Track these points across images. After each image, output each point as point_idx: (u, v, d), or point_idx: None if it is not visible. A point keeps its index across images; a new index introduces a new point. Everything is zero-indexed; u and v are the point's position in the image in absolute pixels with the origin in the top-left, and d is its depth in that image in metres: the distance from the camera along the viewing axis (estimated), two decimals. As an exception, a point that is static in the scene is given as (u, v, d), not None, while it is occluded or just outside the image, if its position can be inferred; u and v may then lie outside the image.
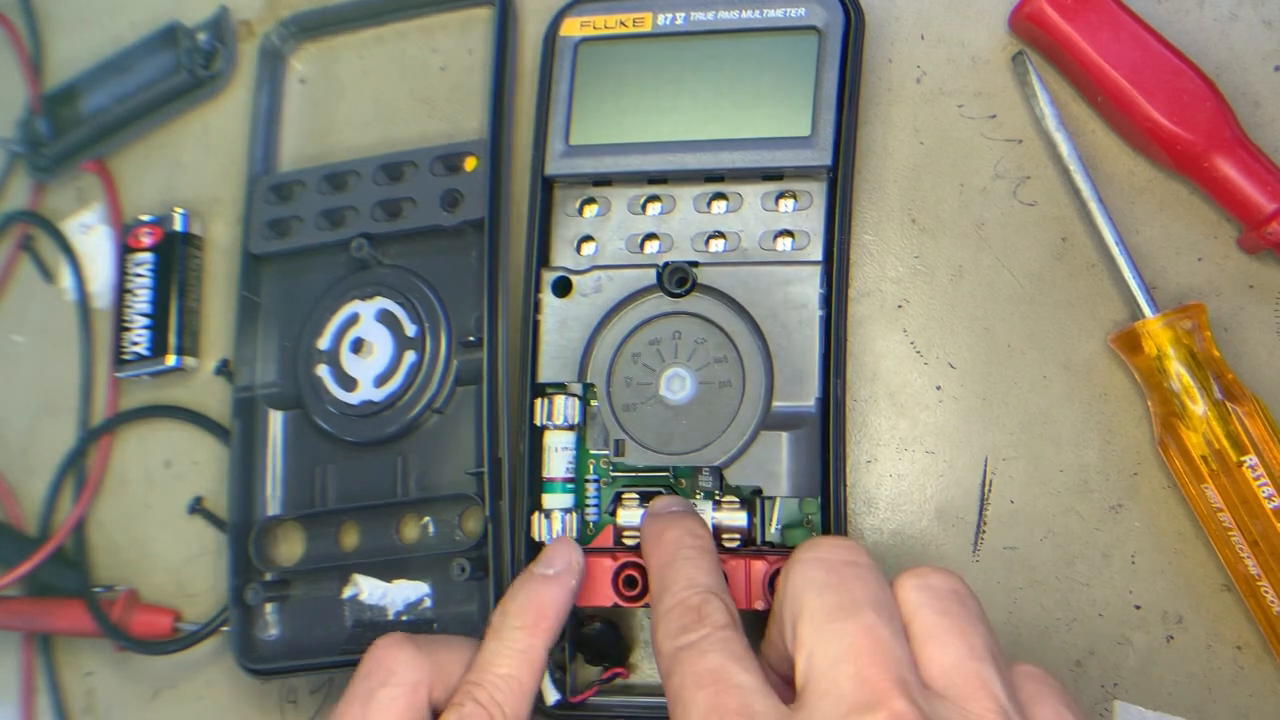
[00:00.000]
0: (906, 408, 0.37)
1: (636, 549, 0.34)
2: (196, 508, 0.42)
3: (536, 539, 0.35)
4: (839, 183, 0.34)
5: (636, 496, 0.34)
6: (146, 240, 0.43)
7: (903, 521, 0.36)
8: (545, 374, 0.35)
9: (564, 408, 0.35)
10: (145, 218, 0.43)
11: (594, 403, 0.35)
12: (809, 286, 0.34)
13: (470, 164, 0.38)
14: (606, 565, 0.33)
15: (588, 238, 0.36)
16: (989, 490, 0.36)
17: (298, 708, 0.40)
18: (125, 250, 0.43)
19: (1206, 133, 0.34)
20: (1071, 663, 0.34)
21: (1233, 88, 0.35)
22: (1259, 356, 0.35)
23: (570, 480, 0.35)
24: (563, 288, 0.36)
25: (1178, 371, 0.33)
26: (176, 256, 0.42)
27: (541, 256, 0.36)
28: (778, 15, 0.35)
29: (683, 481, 0.35)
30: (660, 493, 0.34)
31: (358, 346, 0.38)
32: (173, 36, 0.43)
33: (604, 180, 0.36)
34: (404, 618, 0.37)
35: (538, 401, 0.35)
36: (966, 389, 0.36)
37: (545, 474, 0.35)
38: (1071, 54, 0.35)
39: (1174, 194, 0.36)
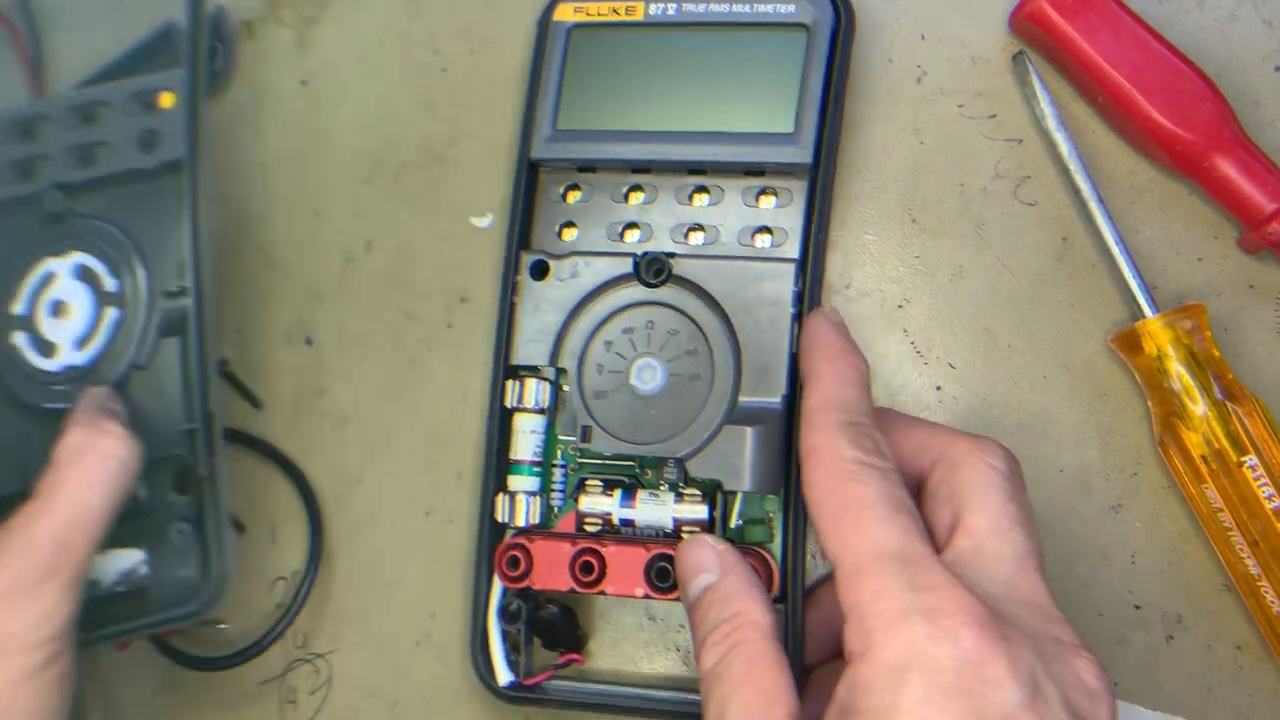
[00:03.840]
0: (906, 408, 0.37)
1: (597, 535, 0.34)
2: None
3: (500, 520, 0.35)
4: (819, 182, 0.35)
5: (600, 483, 0.35)
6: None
7: (903, 521, 0.36)
8: (519, 356, 0.35)
9: (535, 391, 0.35)
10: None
11: (566, 388, 0.35)
12: (782, 284, 0.34)
13: (166, 100, 0.36)
14: (565, 550, 0.33)
15: (570, 223, 0.37)
16: (989, 490, 0.36)
17: (297, 708, 0.40)
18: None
19: (1206, 133, 0.34)
20: (1071, 663, 0.34)
21: (1233, 88, 0.35)
22: (1259, 356, 0.35)
23: (537, 463, 0.35)
24: (540, 271, 0.36)
25: (1178, 371, 0.33)
26: None
27: (523, 239, 0.37)
28: (768, 10, 0.35)
29: (649, 471, 0.35)
30: (622, 482, 0.35)
31: (57, 309, 0.36)
32: (170, 37, 0.42)
33: (589, 167, 0.37)
34: (119, 589, 0.35)
35: (509, 383, 0.35)
36: (966, 389, 0.36)
37: (513, 456, 0.35)
38: (1071, 54, 0.35)
39: (1174, 194, 0.36)
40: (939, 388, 0.37)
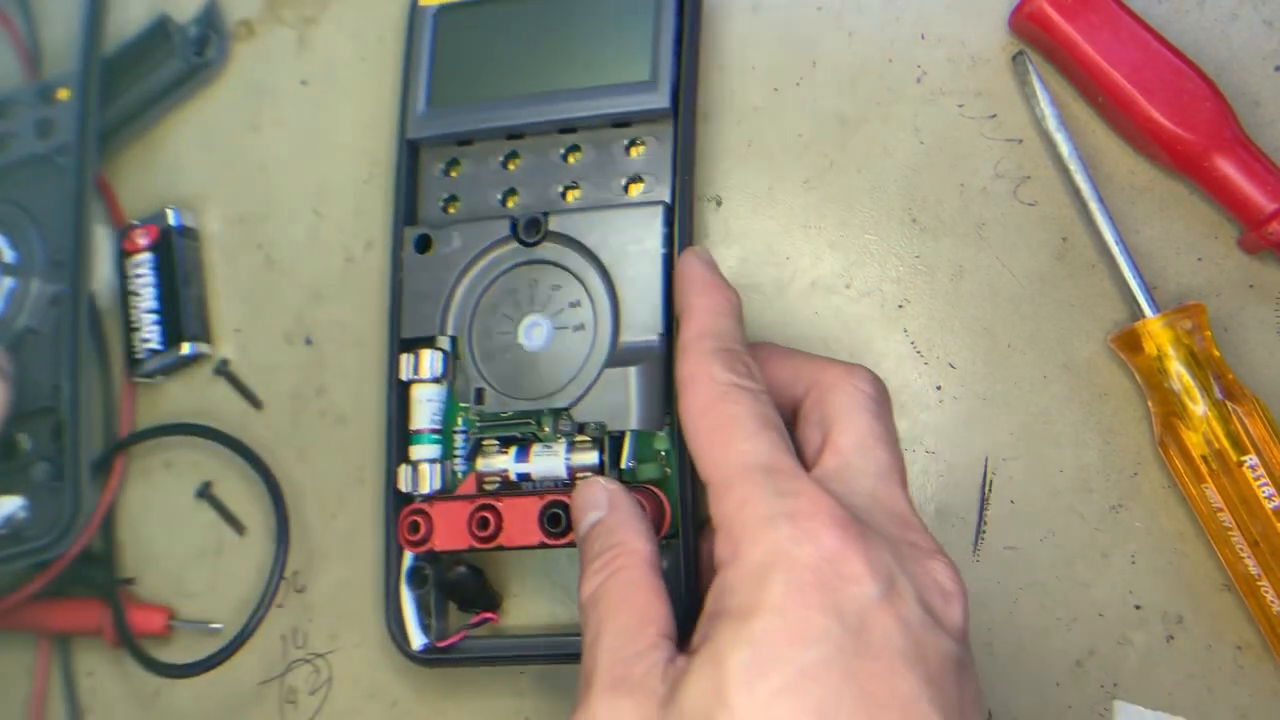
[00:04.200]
0: (906, 408, 0.37)
1: (494, 493, 0.35)
2: (205, 493, 0.42)
3: (403, 490, 0.36)
4: (679, 124, 0.35)
5: (495, 442, 0.35)
6: (143, 241, 0.43)
7: (903, 521, 0.36)
8: (408, 329, 0.36)
9: (429, 361, 0.36)
10: (137, 221, 0.43)
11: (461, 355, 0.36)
12: (651, 226, 0.34)
13: (63, 94, 0.41)
14: (462, 509, 0.34)
15: (453, 197, 0.38)
16: (989, 490, 0.36)
17: (297, 708, 0.40)
18: (122, 255, 0.43)
19: (1206, 133, 0.34)
20: (1071, 663, 0.34)
21: (1233, 88, 0.35)
22: (1259, 356, 0.35)
23: (437, 431, 0.36)
24: (423, 244, 0.37)
25: (1178, 371, 0.33)
26: (175, 250, 0.42)
27: (409, 217, 0.38)
28: None
29: (545, 426, 0.35)
30: (516, 439, 0.35)
31: None
32: (164, 29, 0.43)
33: (466, 139, 0.37)
34: (3, 532, 0.38)
35: (403, 356, 0.36)
36: (966, 389, 0.36)
37: (412, 426, 0.36)
38: (1071, 54, 0.35)
39: (1174, 194, 0.36)
40: (939, 387, 0.37)
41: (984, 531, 0.36)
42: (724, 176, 0.39)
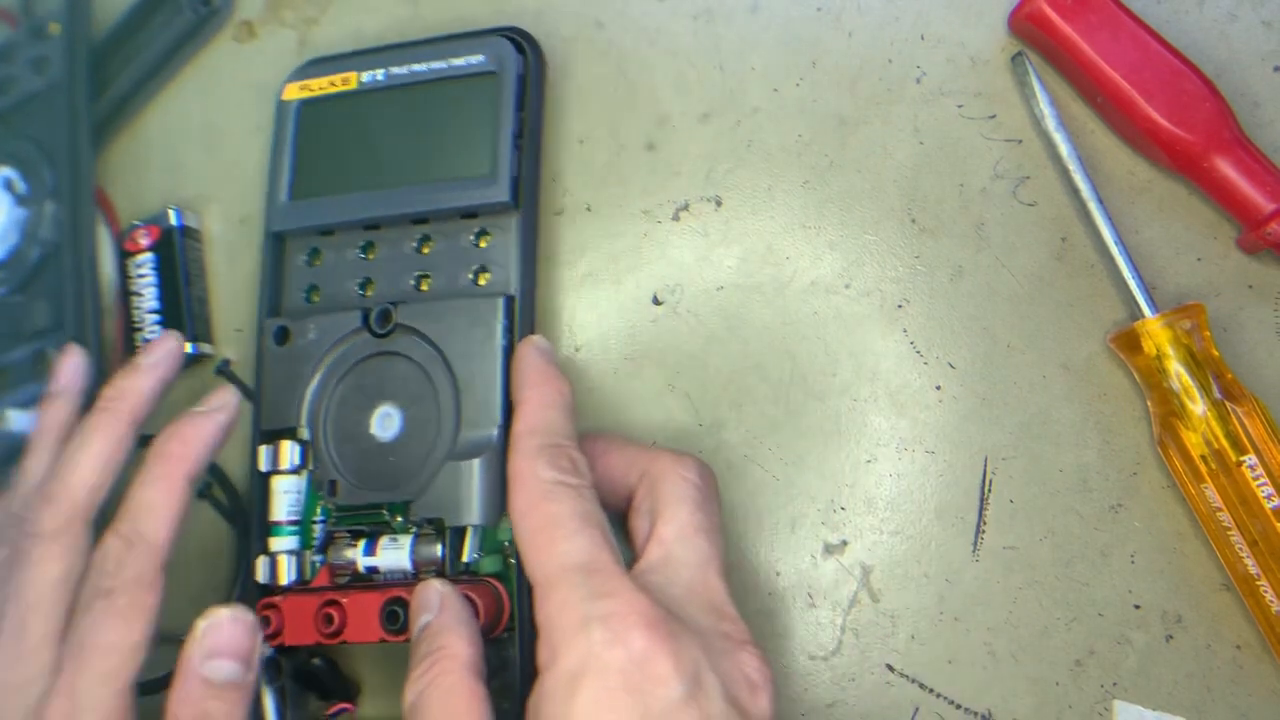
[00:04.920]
0: (906, 407, 0.37)
1: (342, 587, 0.35)
2: (205, 493, 0.42)
3: (262, 581, 0.36)
4: (522, 217, 0.36)
5: (347, 535, 0.35)
6: (144, 241, 0.43)
7: (902, 521, 0.36)
8: (267, 421, 0.37)
9: (289, 452, 0.36)
10: (139, 221, 0.43)
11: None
12: (491, 318, 0.35)
13: (54, 28, 0.43)
14: (310, 604, 0.34)
15: (314, 287, 0.38)
16: (989, 490, 0.36)
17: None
18: (123, 255, 0.43)
19: (1206, 133, 0.34)
20: (1071, 662, 0.34)
21: (1232, 88, 0.35)
22: (1258, 356, 0.35)
23: (295, 522, 0.36)
24: (282, 336, 0.37)
25: (1177, 371, 0.33)
26: (176, 250, 0.42)
27: (273, 308, 0.38)
28: (461, 64, 0.37)
29: (398, 517, 0.35)
30: (364, 532, 0.35)
31: None
32: None
33: (327, 230, 0.38)
34: None
35: (262, 448, 0.36)
36: (966, 389, 0.36)
37: (271, 517, 0.36)
38: (1071, 54, 0.35)
39: (1173, 194, 0.36)
40: (939, 387, 0.37)
41: (983, 531, 0.36)
42: (724, 176, 0.39)
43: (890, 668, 0.35)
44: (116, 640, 0.30)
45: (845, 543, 0.36)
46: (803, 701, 0.36)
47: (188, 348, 0.42)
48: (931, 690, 0.35)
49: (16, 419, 0.39)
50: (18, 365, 0.41)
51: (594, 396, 0.38)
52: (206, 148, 0.44)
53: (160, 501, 0.32)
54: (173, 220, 0.43)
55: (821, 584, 0.36)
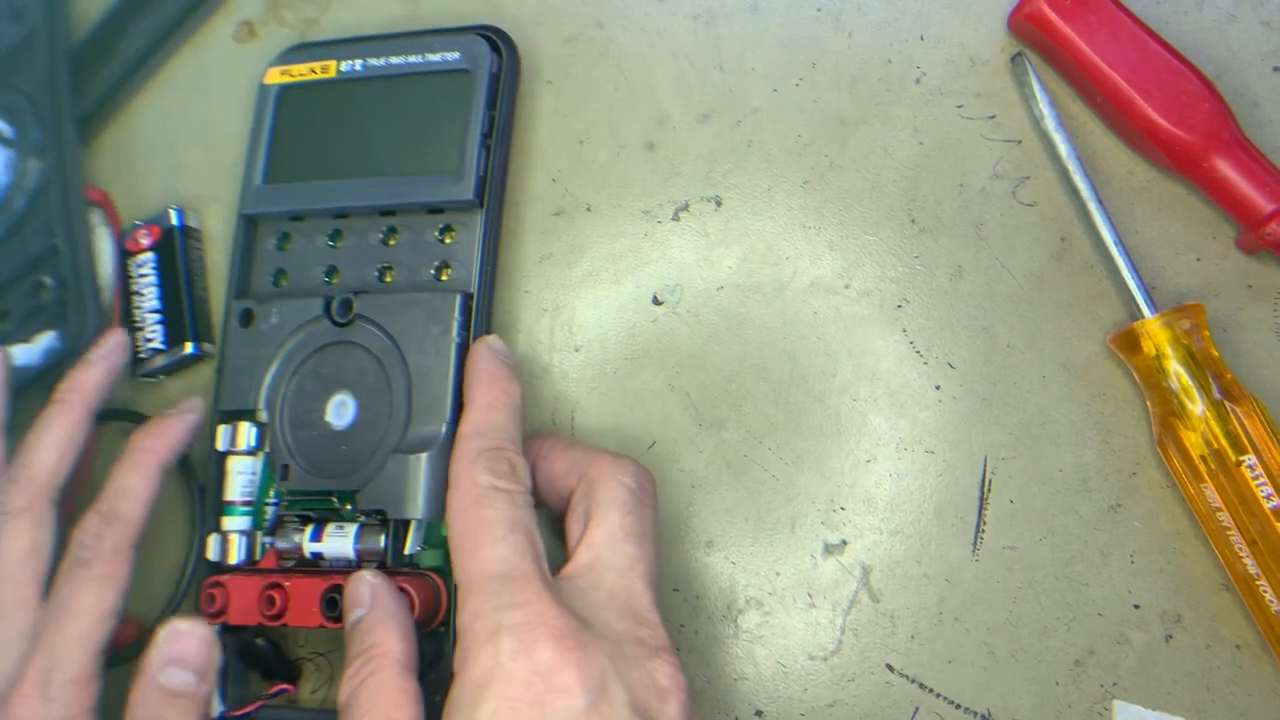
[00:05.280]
0: (906, 407, 0.37)
1: (288, 571, 0.35)
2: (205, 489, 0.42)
3: (211, 559, 0.36)
4: (486, 215, 0.36)
5: (296, 520, 0.36)
6: (145, 241, 0.43)
7: (902, 521, 0.36)
8: (226, 401, 0.37)
9: (246, 434, 0.36)
10: (139, 221, 0.43)
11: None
12: (447, 314, 0.35)
13: None
14: (255, 585, 0.34)
15: (282, 272, 0.39)
16: (988, 490, 0.36)
17: (298, 707, 0.40)
18: (124, 255, 0.43)
19: (1205, 133, 0.34)
20: (1071, 662, 0.34)
21: (1232, 88, 0.35)
22: (1258, 356, 0.35)
23: (248, 503, 0.36)
24: (246, 318, 0.38)
25: (1176, 371, 0.33)
26: (178, 250, 0.42)
27: (241, 289, 0.39)
28: (436, 60, 0.38)
29: (347, 505, 0.35)
30: (312, 517, 0.35)
31: None
32: None
33: (298, 216, 0.39)
34: (48, 366, 0.40)
35: (220, 427, 0.37)
36: (966, 389, 0.36)
37: (225, 496, 0.36)
38: (1070, 55, 0.35)
39: (1173, 194, 0.36)
40: (938, 387, 0.37)
41: (983, 531, 0.36)
42: (724, 176, 0.39)
43: (890, 668, 0.35)
44: (92, 604, 0.33)
45: (845, 543, 0.36)
46: (803, 701, 0.36)
47: (188, 348, 0.42)
48: (931, 690, 0.35)
49: (20, 353, 0.41)
50: (20, 299, 0.42)
51: (594, 396, 0.38)
52: (207, 148, 0.44)
53: (135, 485, 0.35)
54: (173, 220, 0.43)
55: (821, 584, 0.36)
